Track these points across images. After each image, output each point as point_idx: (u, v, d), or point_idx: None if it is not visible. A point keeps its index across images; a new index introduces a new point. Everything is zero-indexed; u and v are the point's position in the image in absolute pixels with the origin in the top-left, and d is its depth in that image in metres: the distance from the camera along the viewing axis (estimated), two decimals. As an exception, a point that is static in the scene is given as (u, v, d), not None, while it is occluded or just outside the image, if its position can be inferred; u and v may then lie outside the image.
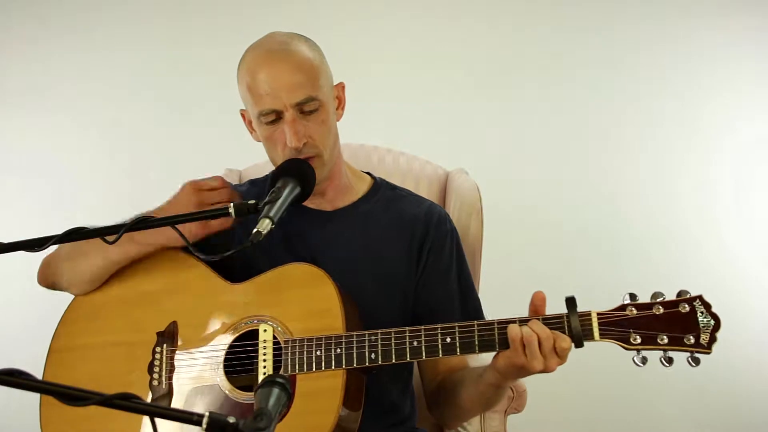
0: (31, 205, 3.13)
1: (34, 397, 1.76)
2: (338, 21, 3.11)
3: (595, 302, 1.61)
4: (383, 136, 2.52)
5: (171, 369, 1.75)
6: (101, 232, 1.42)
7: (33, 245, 1.39)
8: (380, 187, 1.94)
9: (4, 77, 3.17)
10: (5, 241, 1.39)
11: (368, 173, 1.98)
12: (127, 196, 3.05)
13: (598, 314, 1.56)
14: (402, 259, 1.85)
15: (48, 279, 1.91)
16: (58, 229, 1.41)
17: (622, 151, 3.11)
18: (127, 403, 1.02)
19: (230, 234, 1.80)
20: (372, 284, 1.82)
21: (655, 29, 3.10)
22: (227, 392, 1.70)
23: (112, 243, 1.45)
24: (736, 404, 3.05)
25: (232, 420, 1.00)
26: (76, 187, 3.14)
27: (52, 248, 1.74)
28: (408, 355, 1.62)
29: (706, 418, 3.06)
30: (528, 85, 3.11)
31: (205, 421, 1.00)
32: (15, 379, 1.02)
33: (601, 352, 2.94)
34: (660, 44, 3.10)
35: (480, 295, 2.25)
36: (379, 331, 1.64)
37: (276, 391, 1.09)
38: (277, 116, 1.73)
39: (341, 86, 1.86)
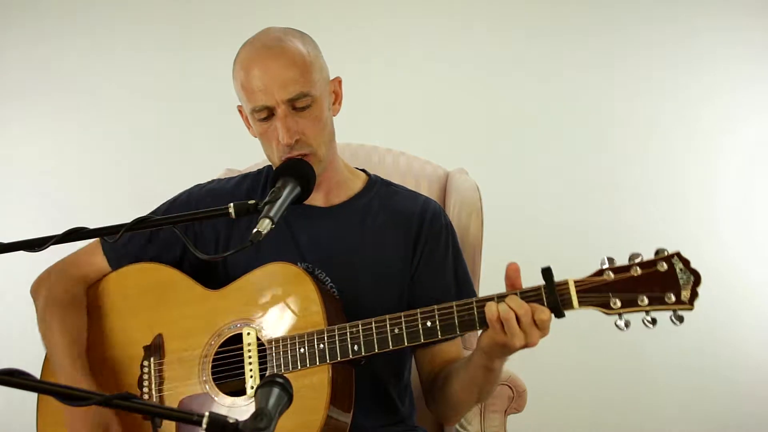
0: (31, 205, 3.13)
1: (34, 397, 1.77)
2: (338, 21, 3.11)
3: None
4: (383, 136, 2.52)
5: (160, 382, 1.76)
6: (101, 232, 1.42)
7: (33, 245, 1.39)
8: (375, 184, 1.93)
9: (5, 77, 3.17)
10: (5, 241, 1.38)
11: (363, 170, 1.98)
12: (127, 197, 3.06)
13: (576, 282, 1.55)
14: (398, 255, 1.85)
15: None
16: (59, 229, 1.41)
17: (622, 151, 3.11)
18: (127, 403, 1.02)
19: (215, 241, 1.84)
20: (369, 280, 1.82)
21: (655, 29, 3.10)
22: (217, 399, 1.70)
23: (113, 243, 1.45)
24: (736, 404, 3.05)
25: (231, 420, 1.00)
26: (76, 187, 3.14)
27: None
28: (390, 343, 1.61)
29: (706, 418, 3.06)
30: (528, 85, 3.11)
31: (205, 421, 1.00)
32: (15, 379, 1.02)
33: (601, 351, 2.96)
34: (660, 44, 3.10)
35: (480, 295, 2.25)
36: (360, 322, 1.63)
37: (276, 390, 1.09)
38: (270, 113, 1.73)
39: (338, 81, 1.85)
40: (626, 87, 3.10)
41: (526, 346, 1.54)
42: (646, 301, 1.51)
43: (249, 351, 1.69)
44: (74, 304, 1.84)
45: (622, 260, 1.55)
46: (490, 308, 1.54)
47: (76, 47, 3.16)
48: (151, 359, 1.76)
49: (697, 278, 1.51)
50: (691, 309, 1.50)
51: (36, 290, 1.89)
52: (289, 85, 1.71)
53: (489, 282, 2.29)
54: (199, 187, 1.96)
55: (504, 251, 2.72)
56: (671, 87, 3.09)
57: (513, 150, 3.10)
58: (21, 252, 1.39)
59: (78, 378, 1.74)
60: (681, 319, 1.50)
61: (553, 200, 3.08)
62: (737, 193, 3.08)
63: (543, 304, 1.54)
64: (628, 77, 3.10)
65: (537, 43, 3.11)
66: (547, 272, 1.54)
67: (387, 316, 1.62)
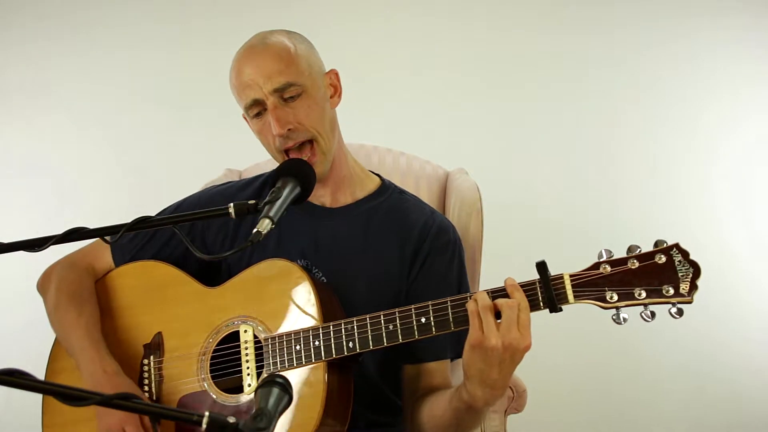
0: (31, 205, 3.13)
1: (34, 397, 1.76)
2: (338, 21, 3.11)
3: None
4: (383, 136, 2.52)
5: (160, 380, 1.76)
6: (101, 232, 1.42)
7: (33, 245, 1.39)
8: (388, 190, 1.93)
9: (4, 77, 3.17)
10: (5, 241, 1.38)
11: (378, 175, 1.97)
12: (127, 196, 3.06)
13: (571, 276, 1.51)
14: (396, 261, 1.84)
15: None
16: (59, 229, 1.41)
17: (622, 151, 3.11)
18: (127, 403, 1.02)
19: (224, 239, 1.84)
20: (364, 283, 1.82)
21: (655, 29, 3.10)
22: (215, 397, 1.70)
23: (113, 243, 1.45)
24: (736, 404, 3.05)
25: (232, 420, 1.00)
26: (76, 187, 3.15)
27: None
28: (385, 340, 1.60)
29: (706, 418, 3.06)
30: (528, 85, 3.11)
31: (205, 421, 0.99)
32: (15, 379, 1.02)
33: (601, 351, 2.96)
34: (660, 44, 3.10)
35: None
36: (354, 318, 1.63)
37: (276, 390, 1.09)
38: (262, 107, 1.75)
39: (334, 73, 1.86)
40: (626, 86, 3.10)
41: (503, 347, 1.46)
42: (643, 294, 1.47)
43: (246, 348, 1.69)
44: (87, 293, 1.84)
45: (621, 254, 1.51)
46: (470, 304, 1.50)
47: (76, 47, 3.16)
48: (151, 357, 1.77)
49: (696, 270, 1.47)
50: (690, 302, 1.45)
51: (44, 283, 1.90)
52: (274, 76, 1.73)
53: (489, 282, 2.28)
54: (211, 188, 1.98)
55: (504, 251, 2.74)
56: (671, 87, 3.09)
57: (513, 150, 3.10)
58: (21, 252, 1.39)
59: (103, 357, 1.73)
60: (680, 313, 1.45)
61: (553, 200, 3.09)
62: (737, 192, 3.08)
63: (538, 299, 1.51)
64: (628, 77, 3.10)
65: (537, 43, 3.11)
66: (541, 266, 1.51)
67: (381, 313, 1.61)
